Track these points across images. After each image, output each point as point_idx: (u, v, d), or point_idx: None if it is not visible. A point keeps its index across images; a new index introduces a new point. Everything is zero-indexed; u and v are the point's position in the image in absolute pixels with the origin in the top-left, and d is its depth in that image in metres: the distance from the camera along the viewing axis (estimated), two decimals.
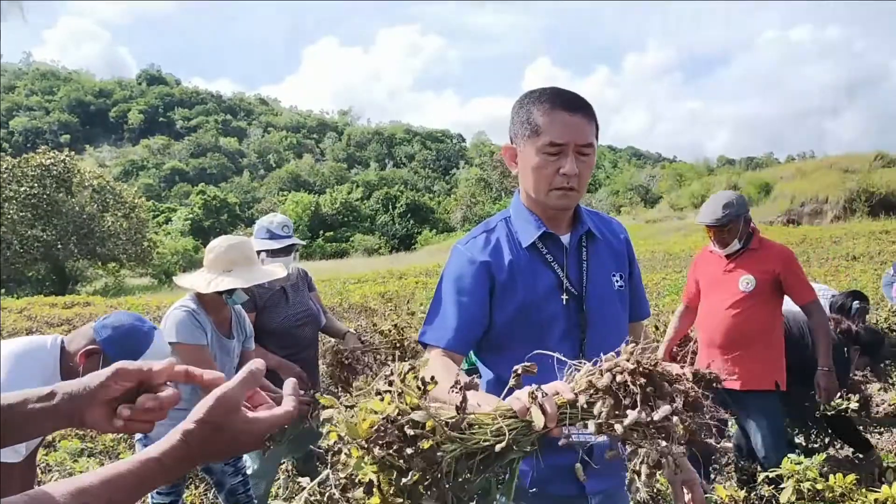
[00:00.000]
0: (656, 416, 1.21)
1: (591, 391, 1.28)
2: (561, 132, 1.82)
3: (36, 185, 34.51)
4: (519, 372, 1.35)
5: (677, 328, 4.40)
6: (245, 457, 3.73)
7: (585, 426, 1.29)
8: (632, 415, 1.22)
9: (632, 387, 1.24)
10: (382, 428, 1.18)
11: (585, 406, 1.28)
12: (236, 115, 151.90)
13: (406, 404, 1.21)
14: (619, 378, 1.25)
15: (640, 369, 1.25)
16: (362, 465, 1.19)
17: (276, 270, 3.30)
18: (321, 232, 62.45)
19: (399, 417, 1.19)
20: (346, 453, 1.21)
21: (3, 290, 29.43)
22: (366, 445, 1.18)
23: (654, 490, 3.53)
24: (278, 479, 4.37)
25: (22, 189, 33.96)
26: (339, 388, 3.91)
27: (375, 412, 1.19)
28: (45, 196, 34.56)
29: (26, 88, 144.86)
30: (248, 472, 3.62)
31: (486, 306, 1.91)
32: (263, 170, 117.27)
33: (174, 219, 67.77)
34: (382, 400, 1.22)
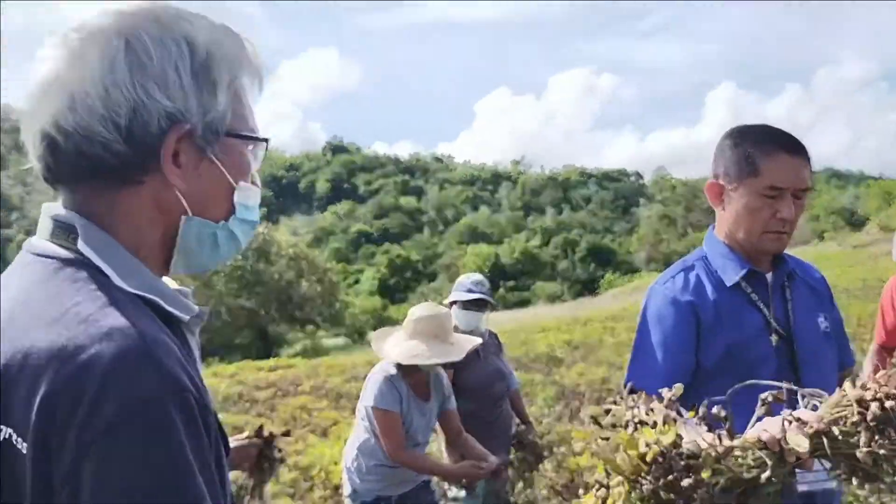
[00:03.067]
0: None
1: (850, 423, 1.16)
2: (783, 176, 1.80)
3: (240, 257, 37.46)
4: (769, 400, 1.27)
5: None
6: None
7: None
8: None
9: None
10: (662, 459, 1.12)
11: (840, 438, 1.16)
12: (414, 175, 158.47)
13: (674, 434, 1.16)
14: (888, 404, 1.12)
15: None
16: (631, 499, 1.15)
17: (462, 346, 3.35)
18: (502, 282, 62.79)
19: (675, 449, 1.14)
20: (615, 484, 1.17)
21: (217, 358, 31.94)
22: (635, 478, 1.14)
23: None
24: None
25: (228, 262, 36.98)
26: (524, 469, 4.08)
27: (649, 444, 1.14)
28: (248, 267, 37.31)
29: None
30: None
31: (692, 349, 1.85)
32: (442, 225, 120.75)
33: (362, 279, 71.20)
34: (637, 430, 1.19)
